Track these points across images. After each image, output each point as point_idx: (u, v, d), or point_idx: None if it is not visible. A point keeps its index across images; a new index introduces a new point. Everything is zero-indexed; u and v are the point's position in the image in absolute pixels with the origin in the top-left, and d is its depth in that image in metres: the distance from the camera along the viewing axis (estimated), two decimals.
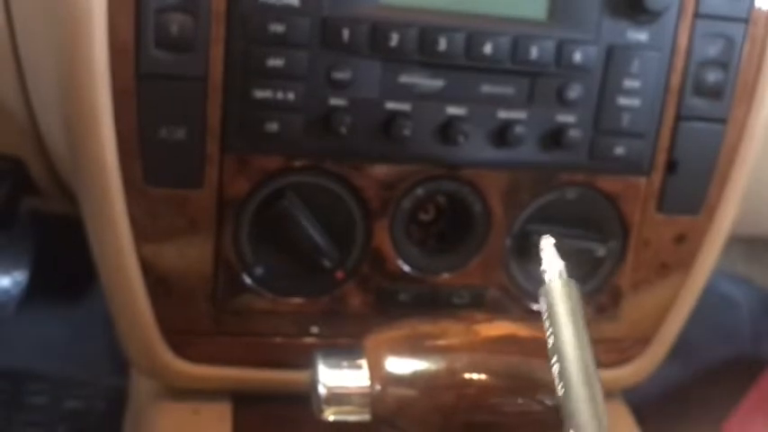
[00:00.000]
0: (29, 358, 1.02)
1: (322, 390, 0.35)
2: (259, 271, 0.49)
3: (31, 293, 1.08)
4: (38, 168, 0.62)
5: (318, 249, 0.48)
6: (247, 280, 0.49)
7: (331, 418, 0.35)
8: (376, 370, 0.34)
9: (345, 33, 0.44)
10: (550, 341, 0.28)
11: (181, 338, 0.50)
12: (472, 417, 0.34)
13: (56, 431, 0.92)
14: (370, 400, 0.34)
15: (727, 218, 0.54)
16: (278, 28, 0.43)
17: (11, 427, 0.91)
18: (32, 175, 0.63)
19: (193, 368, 0.51)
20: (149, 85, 0.43)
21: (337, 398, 0.35)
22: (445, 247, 0.51)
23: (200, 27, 0.43)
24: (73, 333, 1.05)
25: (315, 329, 0.52)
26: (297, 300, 0.50)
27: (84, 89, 0.43)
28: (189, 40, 0.43)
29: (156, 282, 0.48)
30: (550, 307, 0.29)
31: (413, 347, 0.35)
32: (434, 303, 0.51)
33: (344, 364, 0.35)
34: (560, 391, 0.27)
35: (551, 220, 0.50)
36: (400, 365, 0.34)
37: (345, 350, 0.36)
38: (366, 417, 0.35)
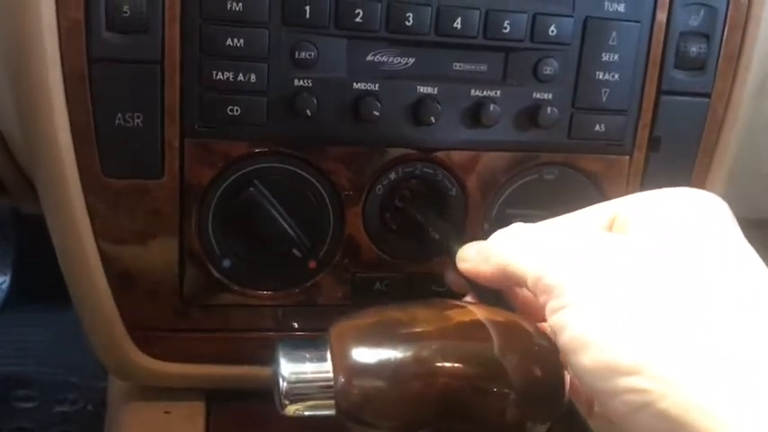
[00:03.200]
0: (15, 363, 1.00)
1: (282, 384, 0.32)
2: (227, 263, 0.47)
3: (15, 297, 1.06)
4: (2, 165, 0.60)
5: (288, 239, 0.46)
6: (215, 272, 0.47)
7: (295, 414, 0.33)
8: (340, 361, 0.32)
9: (308, 9, 0.42)
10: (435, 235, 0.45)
11: (148, 335, 0.48)
12: (442, 407, 0.32)
13: None
14: (334, 393, 0.32)
15: None
16: (236, 5, 0.41)
17: None
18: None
19: (162, 366, 0.49)
20: (102, 69, 0.41)
21: (299, 392, 0.32)
22: (422, 233, 0.49)
23: (153, 6, 0.41)
24: (59, 336, 1.04)
25: (289, 323, 0.50)
26: (268, 292, 0.48)
27: (35, 75, 0.41)
28: (142, 20, 0.41)
29: (119, 276, 0.46)
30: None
31: (381, 335, 0.33)
32: (413, 292, 0.49)
33: (307, 355, 0.33)
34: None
35: (530, 202, 0.49)
36: (366, 355, 0.32)
37: (310, 340, 0.34)
38: (332, 412, 0.33)
